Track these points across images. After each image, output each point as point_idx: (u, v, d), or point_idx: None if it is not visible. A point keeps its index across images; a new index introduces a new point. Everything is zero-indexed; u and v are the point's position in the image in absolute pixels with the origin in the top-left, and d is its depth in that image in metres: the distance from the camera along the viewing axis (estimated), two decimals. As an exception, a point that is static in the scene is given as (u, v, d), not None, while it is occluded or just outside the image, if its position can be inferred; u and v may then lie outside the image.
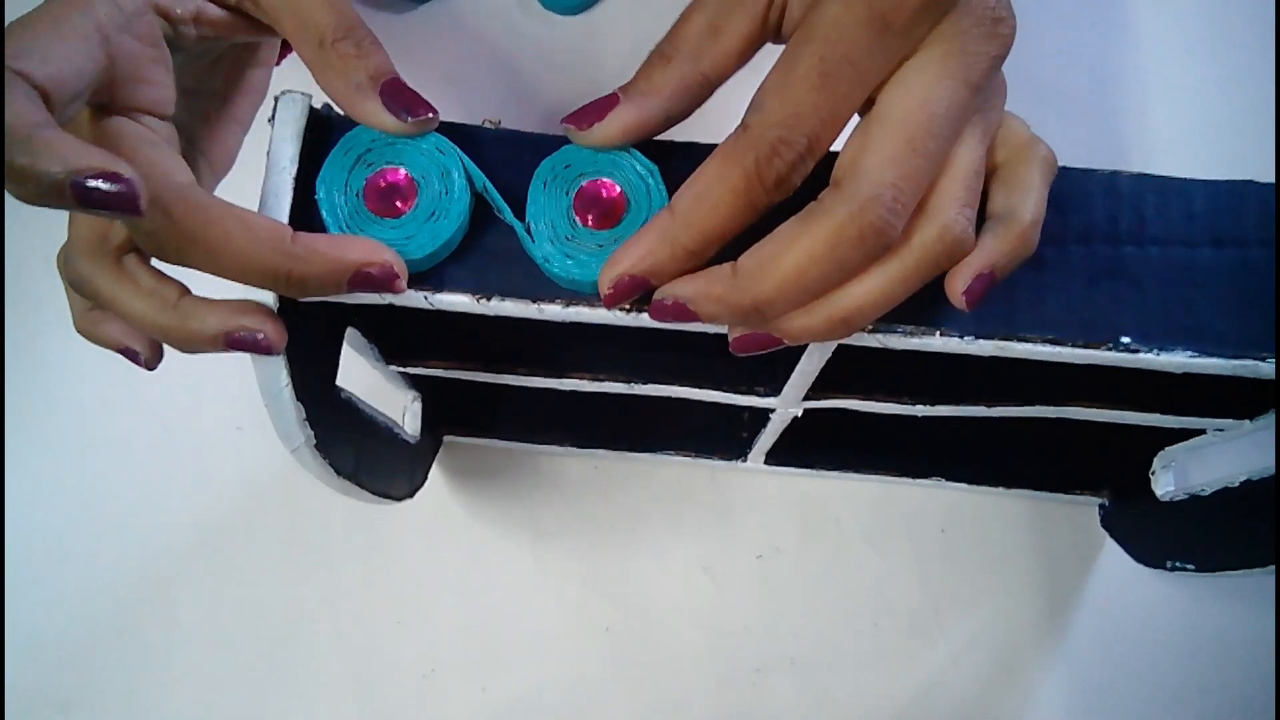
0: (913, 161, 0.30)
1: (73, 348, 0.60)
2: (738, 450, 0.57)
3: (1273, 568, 0.46)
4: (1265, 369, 0.35)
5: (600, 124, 0.33)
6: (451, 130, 0.36)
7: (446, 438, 0.58)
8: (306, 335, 0.36)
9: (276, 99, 0.35)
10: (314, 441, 0.38)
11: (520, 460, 0.60)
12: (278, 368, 0.35)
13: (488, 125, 0.37)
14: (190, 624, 0.57)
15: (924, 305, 0.34)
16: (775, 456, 0.56)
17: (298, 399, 0.36)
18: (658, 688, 0.56)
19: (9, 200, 0.62)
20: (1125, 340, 0.35)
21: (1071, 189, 0.35)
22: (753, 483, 0.59)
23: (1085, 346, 0.35)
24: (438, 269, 0.35)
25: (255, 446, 0.59)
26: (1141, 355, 0.35)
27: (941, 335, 0.35)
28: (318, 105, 0.36)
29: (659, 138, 0.36)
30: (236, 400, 0.59)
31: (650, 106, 0.33)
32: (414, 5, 0.65)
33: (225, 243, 0.31)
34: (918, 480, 0.58)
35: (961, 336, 0.35)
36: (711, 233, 0.31)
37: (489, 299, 0.35)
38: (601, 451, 0.58)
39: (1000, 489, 0.57)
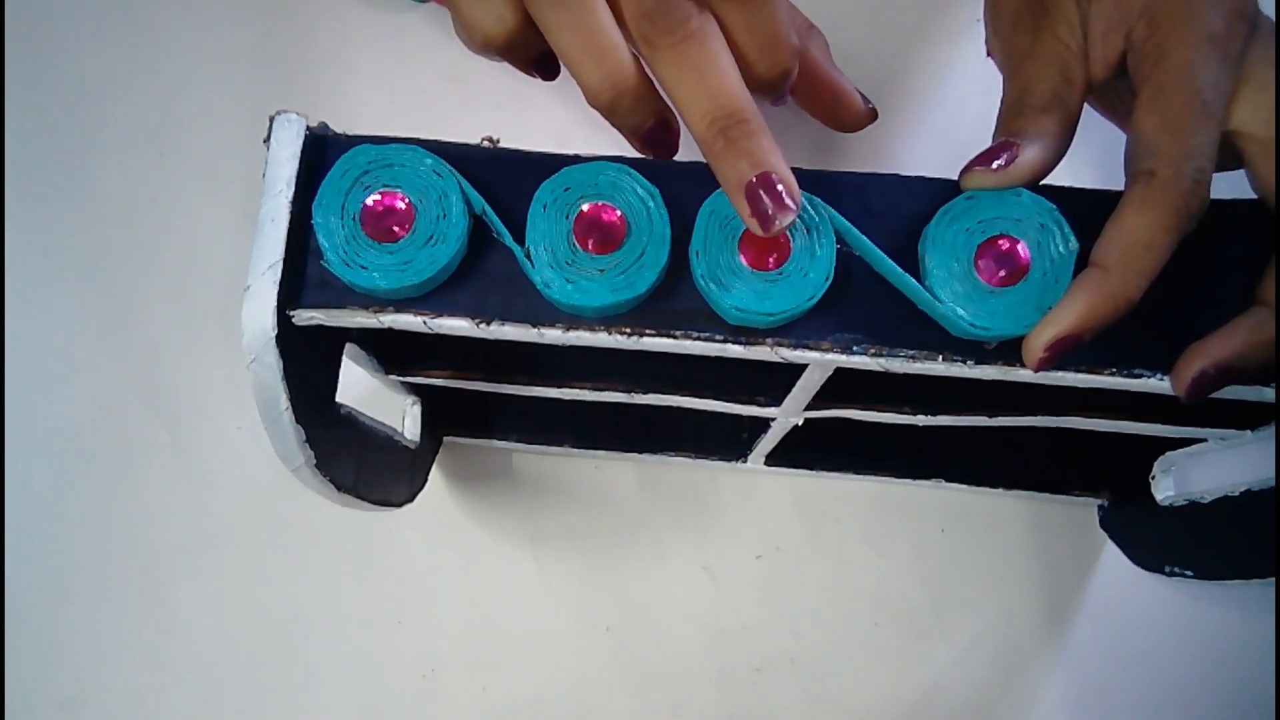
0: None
1: (73, 347, 0.60)
2: (738, 451, 0.56)
3: (1272, 579, 0.46)
4: (1268, 393, 0.35)
5: (1015, 163, 0.35)
6: (449, 151, 0.35)
7: (446, 438, 0.58)
8: (306, 356, 0.36)
9: (272, 119, 0.35)
10: (314, 461, 0.37)
11: (520, 461, 0.59)
12: (277, 392, 0.34)
13: (486, 144, 0.36)
14: (190, 624, 0.57)
15: (923, 330, 0.35)
16: (775, 458, 0.56)
17: (297, 422, 0.35)
18: (658, 688, 0.56)
19: (9, 200, 0.62)
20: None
21: (1079, 211, 0.35)
22: (753, 483, 0.59)
23: (1088, 371, 0.35)
24: (436, 293, 0.35)
25: (255, 446, 0.59)
26: (1144, 380, 0.35)
27: (944, 360, 0.34)
28: (314, 125, 0.35)
29: (656, 160, 0.36)
30: (236, 400, 0.59)
31: (1050, 148, 0.36)
32: (414, 5, 0.65)
33: None
34: (918, 481, 0.57)
35: (965, 361, 0.34)
36: (1153, 275, 0.33)
37: (488, 323, 0.34)
38: (601, 452, 0.58)
39: (1000, 490, 0.57)
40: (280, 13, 0.65)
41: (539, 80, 0.38)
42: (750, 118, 0.33)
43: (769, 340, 0.35)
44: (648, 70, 0.35)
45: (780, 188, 0.32)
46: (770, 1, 0.34)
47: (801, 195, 0.34)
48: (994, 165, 0.35)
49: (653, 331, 0.35)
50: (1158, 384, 0.35)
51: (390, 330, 0.36)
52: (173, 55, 0.65)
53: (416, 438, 0.53)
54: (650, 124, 0.35)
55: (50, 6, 0.65)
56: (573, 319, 0.35)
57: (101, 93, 0.64)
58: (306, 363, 0.36)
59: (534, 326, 0.35)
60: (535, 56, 0.36)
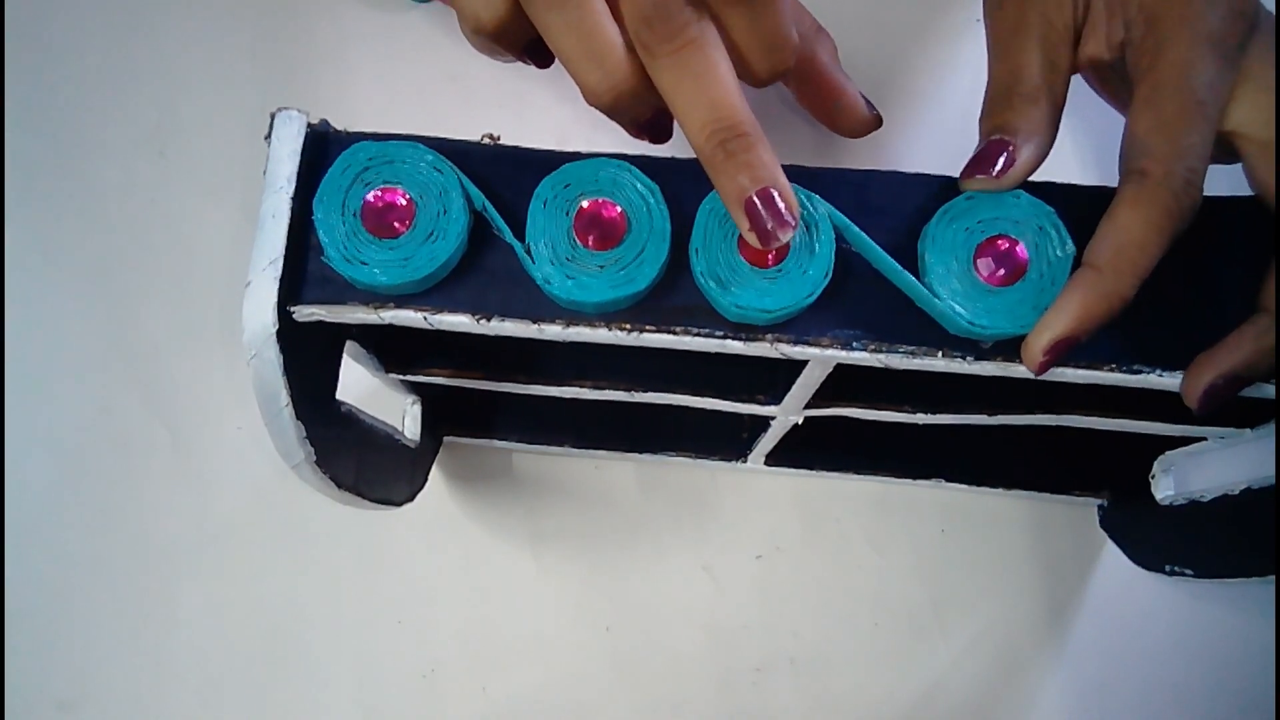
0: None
1: (73, 347, 0.60)
2: (738, 451, 0.56)
3: (1272, 577, 0.46)
4: (1268, 389, 0.35)
5: (1013, 168, 0.35)
6: (450, 147, 0.35)
7: (446, 438, 0.58)
8: (306, 354, 0.36)
9: (273, 116, 0.35)
10: (314, 458, 0.37)
11: (520, 461, 0.59)
12: (278, 388, 0.34)
13: (486, 141, 0.36)
14: (190, 624, 0.57)
15: (922, 327, 0.35)
16: (775, 458, 0.56)
17: (298, 418, 0.35)
18: (658, 688, 0.56)
19: (8, 200, 0.62)
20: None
21: (1077, 209, 0.35)
22: (753, 483, 0.59)
23: (1089, 367, 0.35)
24: (437, 289, 0.35)
25: (255, 446, 0.59)
26: (1144, 376, 0.35)
27: (944, 356, 0.35)
28: (315, 122, 0.36)
29: (660, 155, 0.36)
30: (237, 400, 0.59)
31: (1042, 144, 0.36)
32: (414, 5, 0.65)
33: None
34: (918, 481, 0.58)
35: (964, 358, 0.34)
36: (1145, 275, 0.33)
37: (489, 319, 0.34)
38: (601, 452, 0.58)
39: (1000, 490, 0.57)
40: (280, 13, 0.65)
41: (534, 68, 0.38)
42: (749, 130, 0.33)
43: (769, 336, 0.35)
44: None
45: (780, 203, 0.32)
46: (772, 2, 0.34)
47: (801, 193, 0.34)
48: (994, 171, 0.35)
49: (653, 328, 0.35)
50: (1158, 380, 0.35)
51: (390, 327, 0.36)
52: (173, 55, 0.65)
53: (417, 437, 0.53)
54: (648, 116, 0.36)
55: (50, 6, 0.66)
56: (573, 315, 0.35)
57: (101, 93, 0.64)
58: (307, 359, 0.36)
59: (534, 322, 0.35)
60: (526, 44, 0.36)
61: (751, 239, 0.32)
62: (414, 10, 0.65)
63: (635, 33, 0.33)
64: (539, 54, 0.37)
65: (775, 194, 0.32)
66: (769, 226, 0.32)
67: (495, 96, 0.63)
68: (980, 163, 0.35)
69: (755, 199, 0.32)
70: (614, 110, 0.35)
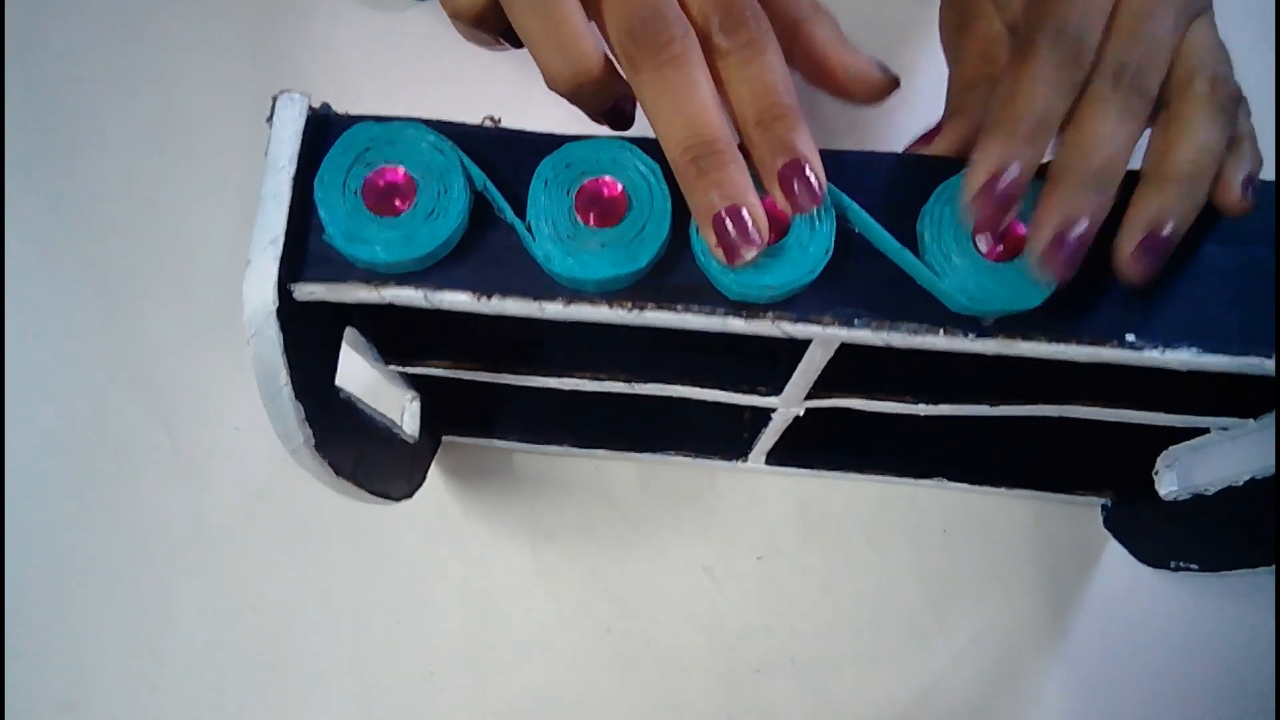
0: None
1: (73, 347, 0.60)
2: (738, 450, 0.56)
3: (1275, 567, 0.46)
4: (1269, 365, 0.35)
5: (938, 137, 0.41)
6: (451, 129, 0.36)
7: (445, 438, 0.58)
8: (306, 335, 0.36)
9: (275, 98, 0.35)
10: (313, 441, 0.37)
11: (520, 460, 0.59)
12: (277, 367, 0.34)
13: (488, 124, 0.36)
14: (190, 624, 0.56)
15: (923, 305, 0.35)
16: (776, 456, 0.55)
17: (297, 399, 0.35)
18: (658, 688, 0.56)
19: (8, 199, 0.62)
20: (1130, 338, 0.35)
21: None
22: (753, 483, 0.59)
23: (1090, 344, 0.35)
24: (437, 267, 0.35)
25: (254, 446, 0.59)
26: (1146, 353, 0.35)
27: (945, 334, 0.34)
28: (316, 104, 0.36)
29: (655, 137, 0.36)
30: (235, 400, 0.59)
31: (974, 117, 0.40)
32: (414, 3, 0.65)
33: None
34: (919, 480, 0.57)
35: (965, 334, 0.34)
36: (1037, 113, 0.33)
37: (489, 298, 0.34)
38: (602, 451, 0.58)
39: (1002, 489, 0.57)
40: (280, 12, 0.66)
41: (510, 49, 0.39)
42: (724, 148, 0.33)
43: (770, 314, 0.35)
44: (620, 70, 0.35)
45: (748, 220, 0.33)
46: (763, 55, 0.34)
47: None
48: (927, 145, 0.41)
49: (654, 305, 0.34)
50: (1159, 357, 0.34)
51: (391, 312, 0.36)
52: (172, 55, 0.65)
53: (416, 433, 0.53)
54: (609, 105, 0.37)
55: (50, 6, 0.66)
56: (574, 293, 0.34)
57: (101, 92, 0.65)
58: (307, 340, 0.36)
59: (535, 300, 0.34)
60: (504, 29, 0.37)
61: (718, 255, 0.33)
62: (414, 9, 0.65)
63: (619, 44, 0.34)
64: (514, 37, 0.37)
65: (744, 211, 0.33)
66: (735, 244, 0.33)
67: (495, 96, 0.63)
68: (916, 142, 0.41)
69: (724, 215, 0.33)
70: (574, 97, 0.36)
